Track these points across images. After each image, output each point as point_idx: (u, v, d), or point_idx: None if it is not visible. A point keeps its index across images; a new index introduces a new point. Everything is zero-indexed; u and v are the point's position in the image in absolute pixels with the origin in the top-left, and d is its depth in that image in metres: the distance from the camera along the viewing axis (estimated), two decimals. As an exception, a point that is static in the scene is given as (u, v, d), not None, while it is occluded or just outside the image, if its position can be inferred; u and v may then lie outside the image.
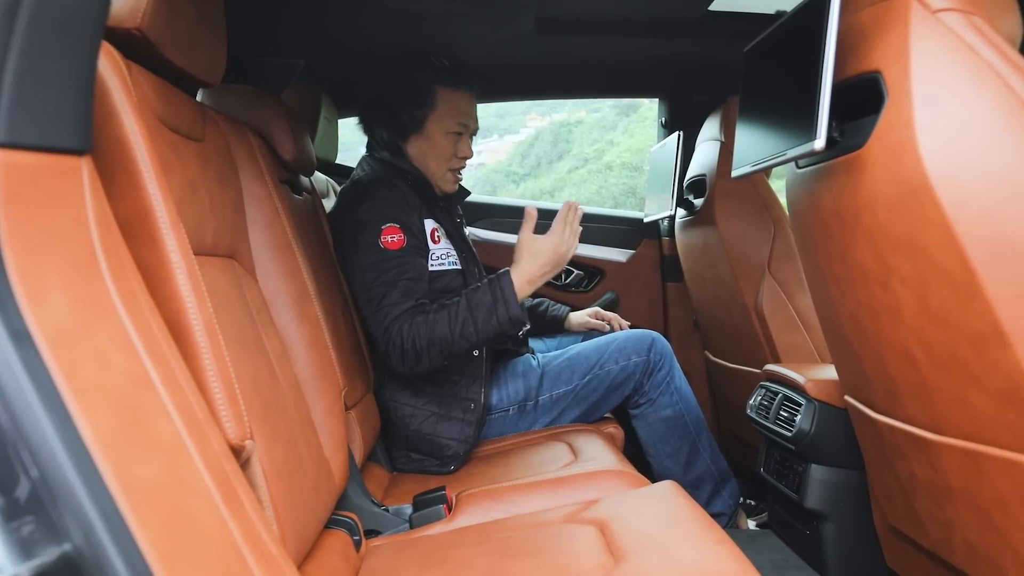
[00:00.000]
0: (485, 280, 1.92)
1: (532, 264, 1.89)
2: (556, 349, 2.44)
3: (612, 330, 2.58)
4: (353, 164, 2.37)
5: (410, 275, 1.93)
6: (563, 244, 1.90)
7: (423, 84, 2.13)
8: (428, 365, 1.90)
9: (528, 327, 2.05)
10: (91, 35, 0.72)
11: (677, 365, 2.29)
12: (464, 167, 2.23)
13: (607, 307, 2.96)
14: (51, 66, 0.66)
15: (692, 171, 2.68)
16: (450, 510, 1.63)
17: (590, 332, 2.61)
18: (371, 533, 1.61)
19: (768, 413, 2.06)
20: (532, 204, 2.08)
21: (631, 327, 2.56)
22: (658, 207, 2.82)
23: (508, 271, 1.89)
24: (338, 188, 2.79)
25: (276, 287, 1.46)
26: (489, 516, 1.59)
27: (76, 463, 0.59)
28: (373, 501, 1.69)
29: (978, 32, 1.05)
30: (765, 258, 2.38)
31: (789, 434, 1.91)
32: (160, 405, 0.71)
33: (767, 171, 1.54)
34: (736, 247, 2.40)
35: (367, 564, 1.41)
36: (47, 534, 0.57)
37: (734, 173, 1.64)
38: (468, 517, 1.60)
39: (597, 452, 1.89)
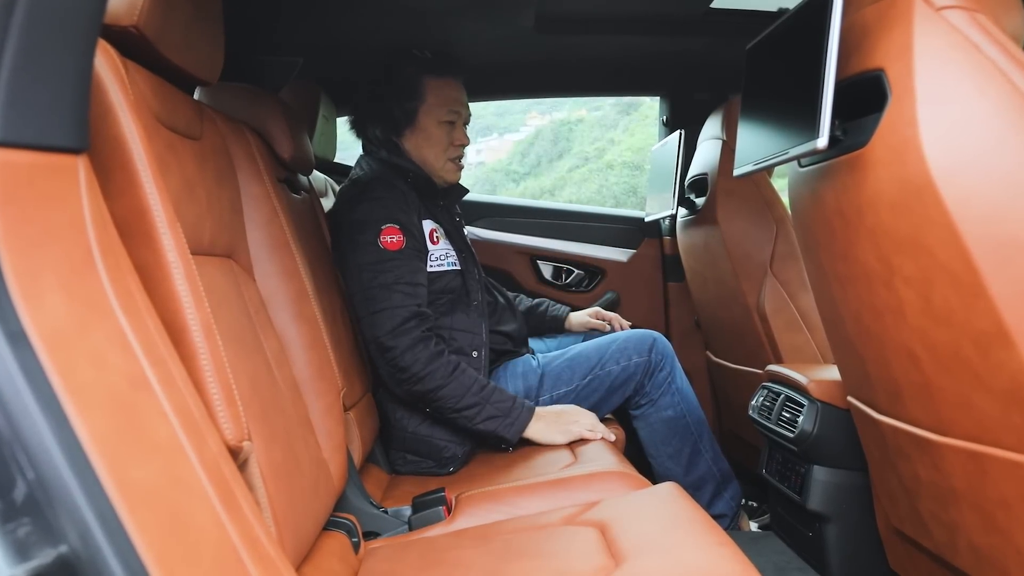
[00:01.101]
0: (515, 396, 1.99)
1: (554, 430, 2.00)
2: (556, 349, 2.43)
3: (613, 330, 2.57)
4: (352, 163, 2.37)
5: (408, 279, 1.92)
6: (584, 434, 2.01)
7: (409, 77, 2.13)
8: (410, 393, 1.94)
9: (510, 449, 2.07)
10: (87, 32, 0.72)
11: (678, 365, 2.28)
12: (463, 155, 2.23)
13: (608, 307, 2.95)
14: (47, 64, 0.65)
15: (693, 170, 2.67)
16: (449, 512, 1.62)
17: (591, 332, 2.60)
18: (370, 535, 1.61)
19: (770, 414, 2.06)
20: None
21: (632, 327, 2.56)
22: (659, 206, 2.81)
23: (535, 409, 2.00)
24: (337, 187, 2.79)
25: (274, 287, 1.45)
26: (489, 518, 1.58)
27: (72, 464, 0.59)
28: (372, 503, 1.68)
29: (982, 30, 1.04)
30: (767, 258, 2.37)
31: (791, 435, 1.90)
32: (157, 406, 0.71)
33: (769, 170, 1.53)
34: (738, 246, 2.39)
35: (366, 566, 1.40)
36: (43, 536, 0.57)
37: (736, 172, 1.63)
38: (468, 519, 1.59)
39: (597, 453, 1.88)
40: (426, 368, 1.87)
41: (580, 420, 2.02)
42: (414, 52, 2.17)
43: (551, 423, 1.99)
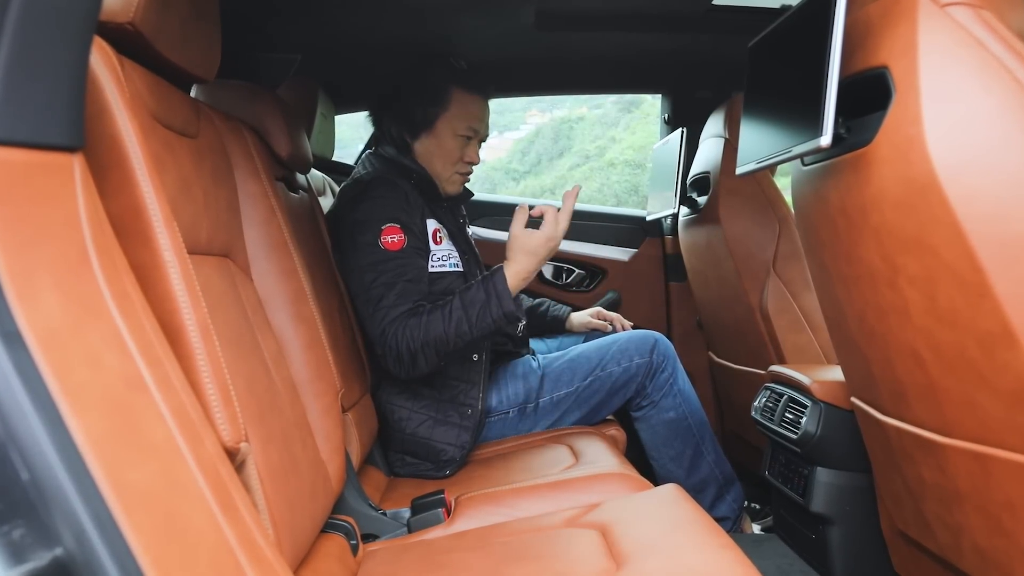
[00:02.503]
0: (479, 278, 1.90)
1: (526, 260, 1.85)
2: (557, 350, 2.42)
3: (614, 330, 2.56)
4: (350, 161, 2.35)
5: (408, 277, 1.91)
6: (555, 235, 1.85)
7: (439, 82, 2.12)
8: (425, 367, 1.88)
9: (524, 322, 2.02)
10: (83, 29, 0.72)
11: (680, 366, 2.27)
12: (471, 172, 2.22)
13: (609, 307, 2.94)
14: (42, 61, 0.65)
15: (696, 168, 2.66)
16: (449, 514, 1.62)
17: (592, 332, 2.59)
18: (368, 537, 1.60)
19: (773, 415, 2.05)
20: (530, 201, 2.08)
21: (633, 327, 2.55)
22: (661, 205, 2.80)
23: (501, 267, 1.87)
24: (336, 186, 2.78)
25: (272, 287, 1.44)
26: (489, 520, 1.57)
27: (68, 466, 0.58)
28: (371, 505, 1.67)
29: (987, 26, 1.03)
30: (770, 257, 2.36)
31: (794, 436, 1.89)
32: (154, 407, 0.70)
33: (772, 168, 1.52)
34: (741, 246, 2.38)
35: (365, 569, 1.40)
36: (38, 538, 0.57)
37: (739, 170, 1.62)
38: (467, 521, 1.58)
39: (599, 455, 1.88)
40: (417, 340, 1.83)
41: (552, 247, 1.86)
42: (450, 60, 2.16)
43: (524, 260, 1.85)
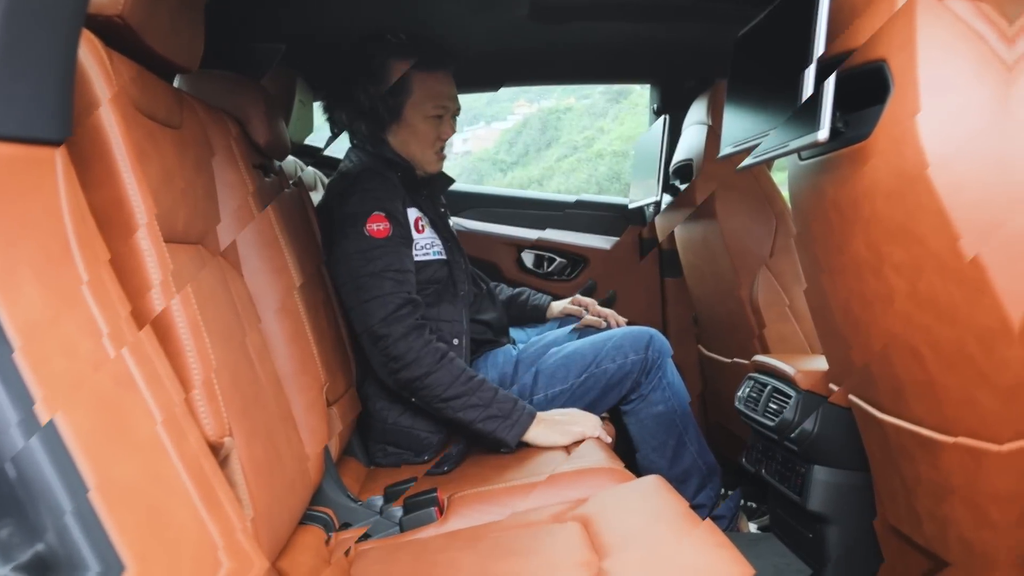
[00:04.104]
0: (516, 397, 1.92)
1: (554, 432, 1.91)
2: (536, 336, 2.41)
3: (609, 326, 2.52)
4: (341, 155, 2.32)
5: (397, 267, 1.90)
6: (576, 438, 1.92)
7: (394, 70, 2.07)
8: (399, 381, 1.88)
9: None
10: (72, 22, 0.71)
11: (670, 360, 2.25)
12: (445, 145, 2.20)
13: (587, 293, 2.92)
14: (31, 54, 0.66)
15: (678, 156, 2.64)
16: (442, 512, 1.61)
17: (567, 318, 2.56)
18: (346, 527, 1.59)
19: (756, 405, 2.04)
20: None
21: (628, 323, 2.53)
22: (643, 193, 2.79)
23: (538, 414, 1.91)
24: (326, 180, 2.75)
25: (256, 280, 1.43)
26: (481, 519, 1.56)
27: (52, 460, 0.58)
28: (349, 496, 1.66)
29: (986, 20, 1.03)
30: (766, 252, 2.35)
31: (772, 424, 1.89)
32: (139, 402, 0.71)
33: (769, 163, 1.51)
34: (738, 241, 2.37)
35: (357, 568, 1.39)
36: (22, 533, 0.57)
37: (742, 164, 1.59)
38: (460, 520, 1.57)
39: (587, 450, 1.87)
40: (417, 355, 1.84)
41: (581, 421, 1.95)
42: (397, 41, 2.11)
43: (551, 425, 1.93)
